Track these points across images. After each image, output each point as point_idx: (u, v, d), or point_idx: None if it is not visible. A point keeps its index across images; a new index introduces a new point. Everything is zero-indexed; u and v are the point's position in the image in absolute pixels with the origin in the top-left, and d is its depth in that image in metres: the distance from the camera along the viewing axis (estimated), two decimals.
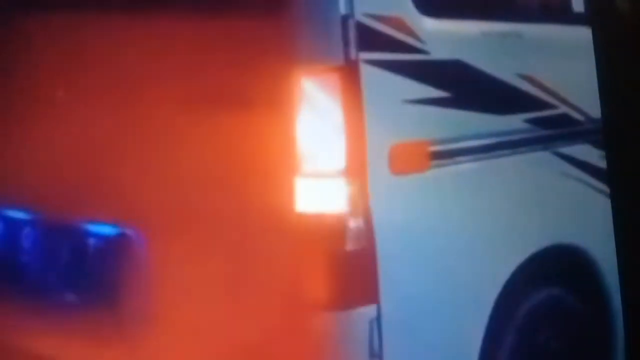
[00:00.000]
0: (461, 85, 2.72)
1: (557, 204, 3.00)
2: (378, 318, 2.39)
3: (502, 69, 2.85)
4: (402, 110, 2.55)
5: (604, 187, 3.21)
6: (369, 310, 2.38)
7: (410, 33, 2.58)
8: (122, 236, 2.70)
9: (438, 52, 2.65)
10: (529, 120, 2.93)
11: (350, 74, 2.43)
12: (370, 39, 2.48)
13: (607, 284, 3.12)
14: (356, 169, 2.42)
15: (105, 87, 2.72)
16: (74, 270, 2.81)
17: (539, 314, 2.86)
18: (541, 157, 2.96)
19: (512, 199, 2.83)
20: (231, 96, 2.47)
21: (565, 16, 3.21)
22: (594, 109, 3.22)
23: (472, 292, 2.65)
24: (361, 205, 2.41)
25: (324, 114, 2.43)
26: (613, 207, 3.04)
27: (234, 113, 2.46)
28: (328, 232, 2.38)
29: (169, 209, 2.60)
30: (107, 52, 2.74)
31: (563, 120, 3.07)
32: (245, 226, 2.45)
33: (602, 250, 3.14)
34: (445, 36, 2.71)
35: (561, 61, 3.14)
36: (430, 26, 2.63)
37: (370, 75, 2.47)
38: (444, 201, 2.62)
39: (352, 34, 2.43)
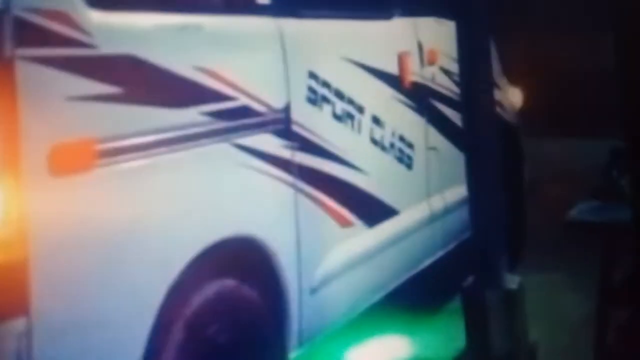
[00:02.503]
0: (132, 80, 2.64)
1: (234, 195, 3.01)
2: (28, 331, 2.29)
3: (178, 62, 2.80)
4: (65, 107, 2.44)
5: (285, 177, 3.28)
6: (18, 324, 2.27)
7: (75, 27, 2.46)
8: None
9: (107, 47, 2.55)
10: (206, 113, 2.90)
11: (3, 72, 2.28)
12: (29, 34, 2.34)
13: (283, 272, 3.21)
14: (8, 173, 2.29)
15: None
16: None
17: (211, 308, 2.86)
18: (219, 149, 2.96)
19: (186, 193, 2.81)
20: None
21: (248, 7, 3.22)
22: (276, 99, 3.27)
23: (137, 294, 2.60)
24: (13, 211, 2.29)
25: None
26: None
27: None
28: None
29: None
30: None
31: (243, 112, 3.08)
32: None
33: (280, 239, 3.22)
34: (115, 30, 2.61)
35: (243, 52, 3.15)
36: (98, 20, 2.53)
37: (28, 72, 2.33)
38: (110, 201, 2.55)
39: (8, 29, 2.29)
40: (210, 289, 2.88)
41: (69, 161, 2.44)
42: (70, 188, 2.44)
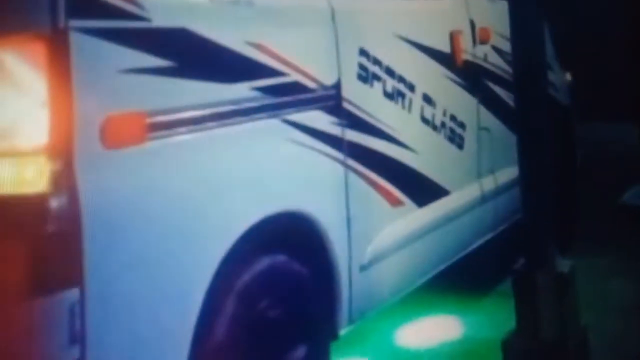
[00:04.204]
0: (184, 54, 2.64)
1: (284, 171, 3.01)
2: (81, 302, 2.30)
3: (230, 36, 2.80)
4: (118, 80, 2.44)
5: (336, 154, 3.27)
6: (70, 295, 2.29)
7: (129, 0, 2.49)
8: None
9: (160, 20, 2.56)
10: (257, 88, 2.90)
11: (57, 44, 2.29)
12: (83, 5, 2.35)
13: (333, 249, 3.20)
14: (60, 145, 2.30)
15: None
16: None
17: (262, 282, 2.87)
18: (269, 124, 2.95)
19: (237, 168, 2.81)
20: None
21: None
22: (326, 76, 3.26)
23: (189, 266, 2.61)
24: (65, 183, 2.30)
25: (24, 85, 2.28)
26: None
27: None
28: (24, 213, 2.26)
29: None
30: None
31: (293, 88, 3.07)
32: None
33: (330, 216, 3.21)
34: (168, 3, 2.62)
35: (294, 28, 3.14)
36: None
37: (81, 43, 2.34)
38: (162, 175, 2.55)
39: (61, 1, 2.29)
40: (261, 263, 2.88)
41: (120, 134, 2.44)
42: (122, 161, 2.45)
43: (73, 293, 2.29)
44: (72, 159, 2.31)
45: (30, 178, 2.28)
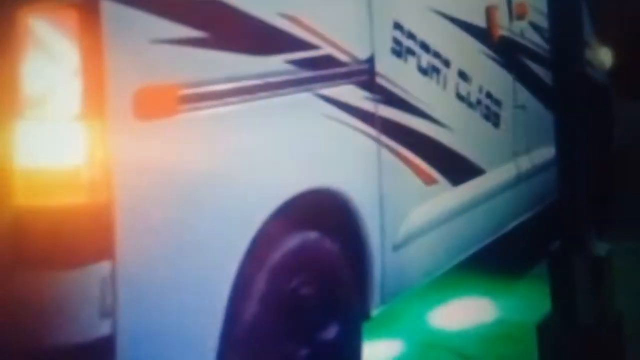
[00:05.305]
0: (217, 25, 2.60)
1: (316, 146, 2.95)
2: (112, 275, 2.27)
3: (263, 8, 2.74)
4: (151, 50, 2.40)
5: (368, 130, 3.20)
6: (101, 268, 2.25)
7: None
8: None
9: None
10: (290, 62, 2.84)
11: (89, 12, 2.25)
12: None
13: (366, 227, 3.13)
14: (93, 115, 2.26)
15: None
16: None
17: (293, 260, 2.81)
18: (302, 99, 2.89)
19: (269, 142, 2.75)
20: None
21: None
22: (360, 50, 3.18)
23: (220, 242, 2.56)
24: (97, 153, 2.26)
25: (56, 54, 2.24)
26: None
27: None
28: (57, 183, 2.23)
29: None
30: None
31: (326, 61, 3.01)
32: None
33: (363, 194, 3.14)
34: None
35: (327, 1, 3.07)
36: None
37: (113, 12, 2.30)
38: (193, 148, 2.51)
39: None
40: (293, 240, 2.83)
41: (153, 105, 2.41)
42: (154, 133, 2.40)
43: (105, 266, 2.26)
44: (105, 129, 2.28)
45: (63, 147, 2.24)
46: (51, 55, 2.25)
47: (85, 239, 2.24)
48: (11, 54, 2.22)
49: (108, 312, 2.26)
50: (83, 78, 2.26)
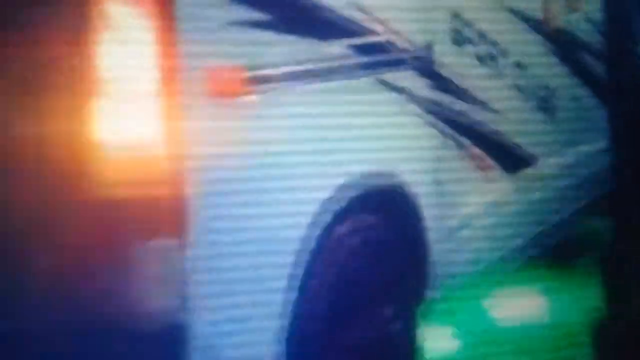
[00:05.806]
0: (283, 9, 2.67)
1: (376, 130, 3.01)
2: (183, 250, 2.34)
3: None
4: (221, 33, 2.49)
5: (426, 116, 3.25)
6: (173, 243, 2.33)
7: None
8: None
9: None
10: (351, 46, 2.91)
11: None
12: None
13: (422, 212, 3.18)
14: (169, 94, 2.34)
15: None
16: None
17: (351, 242, 2.87)
18: (362, 83, 2.96)
19: (331, 125, 2.82)
20: (31, 18, 2.34)
21: None
22: (419, 38, 3.23)
23: (283, 222, 2.63)
24: (173, 131, 2.35)
25: (134, 36, 2.33)
26: None
27: (33, 34, 2.34)
28: (131, 161, 2.32)
29: None
30: None
31: (388, 48, 3.07)
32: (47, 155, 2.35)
33: (420, 178, 3.19)
34: None
35: None
36: None
37: None
38: (260, 128, 2.59)
39: None
40: (350, 223, 2.89)
41: (223, 86, 2.48)
42: (224, 112, 2.48)
43: (176, 240, 2.33)
44: (178, 108, 2.35)
45: (136, 127, 2.32)
46: (126, 36, 2.33)
47: (158, 214, 2.32)
48: (90, 35, 2.30)
49: (181, 292, 2.34)
50: (157, 58, 2.34)
